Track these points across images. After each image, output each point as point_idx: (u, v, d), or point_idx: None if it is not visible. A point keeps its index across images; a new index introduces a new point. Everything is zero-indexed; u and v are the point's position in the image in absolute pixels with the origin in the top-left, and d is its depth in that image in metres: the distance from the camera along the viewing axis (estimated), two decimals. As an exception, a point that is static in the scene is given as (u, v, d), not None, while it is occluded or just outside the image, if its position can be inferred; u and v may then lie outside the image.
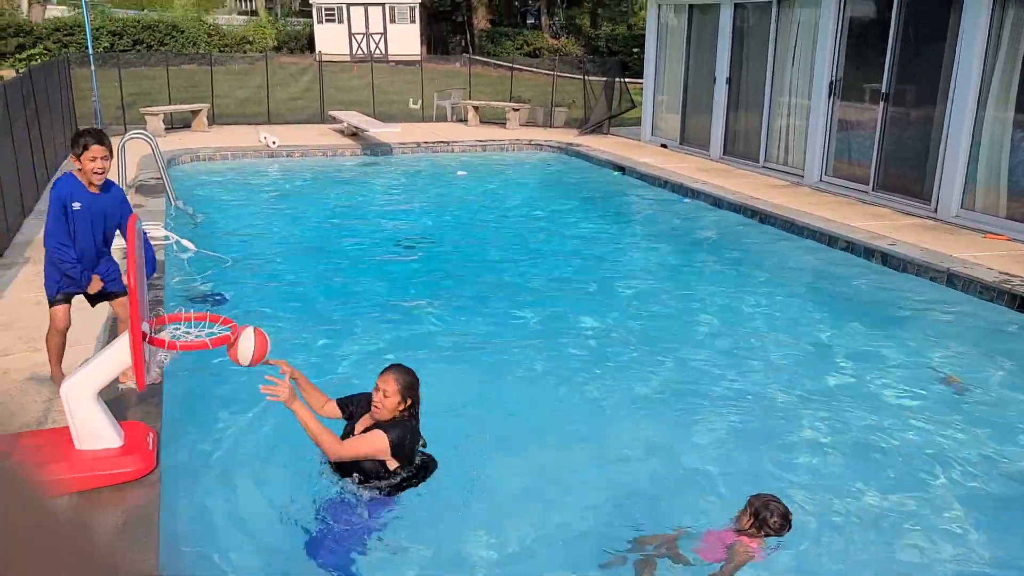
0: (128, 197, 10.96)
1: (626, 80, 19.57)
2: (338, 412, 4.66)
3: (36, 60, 28.78)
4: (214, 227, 10.78)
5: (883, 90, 11.32)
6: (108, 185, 5.08)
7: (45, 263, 5.09)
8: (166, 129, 17.29)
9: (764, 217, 11.06)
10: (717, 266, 9.54)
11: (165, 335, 4.27)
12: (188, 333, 4.32)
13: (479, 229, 11.40)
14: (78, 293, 5.19)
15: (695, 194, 12.61)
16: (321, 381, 6.24)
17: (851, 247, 9.59)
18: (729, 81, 14.85)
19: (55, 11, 36.17)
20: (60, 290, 5.08)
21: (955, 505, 4.67)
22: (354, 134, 17.60)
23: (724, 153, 15.15)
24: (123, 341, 4.19)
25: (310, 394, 4.65)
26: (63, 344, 5.17)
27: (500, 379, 6.33)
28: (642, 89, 18.36)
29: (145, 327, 4.29)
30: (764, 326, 7.55)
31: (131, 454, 4.30)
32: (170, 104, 18.37)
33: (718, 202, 12.07)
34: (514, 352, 6.87)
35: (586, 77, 20.15)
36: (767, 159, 14.03)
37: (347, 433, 4.54)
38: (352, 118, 17.83)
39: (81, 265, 5.00)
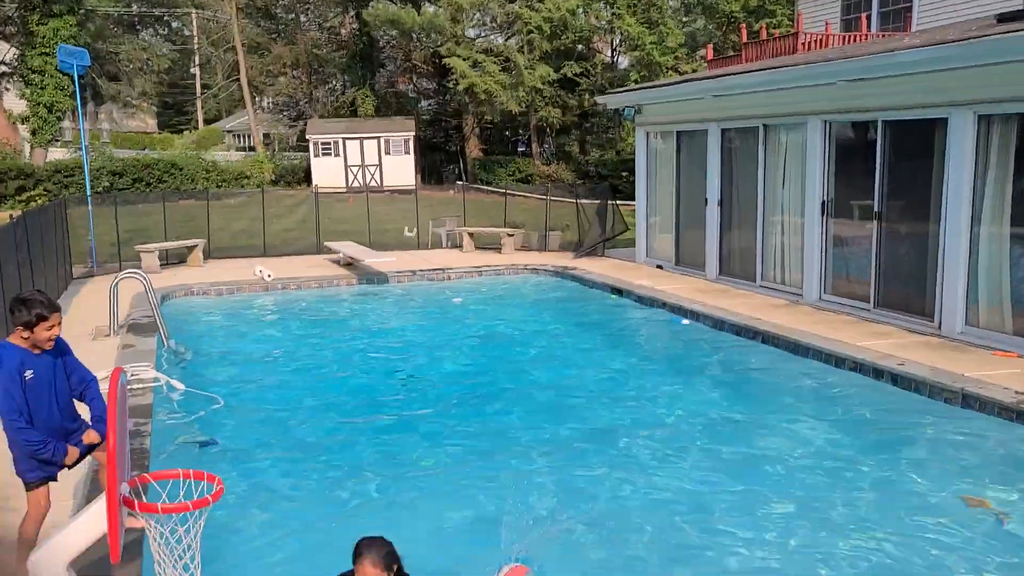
0: (119, 339, 10.84)
1: (618, 203, 19.84)
2: None
3: (36, 202, 29.28)
4: (207, 365, 10.53)
5: (875, 208, 11.39)
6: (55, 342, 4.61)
7: (9, 446, 4.55)
8: (161, 265, 17.31)
9: (767, 338, 10.88)
10: (722, 391, 9.27)
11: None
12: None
13: (477, 358, 11.18)
14: (58, 470, 4.67)
15: (695, 316, 12.47)
16: (318, 523, 5.91)
17: (859, 368, 9.36)
18: (721, 203, 15.01)
19: (57, 153, 37.07)
20: (37, 474, 4.54)
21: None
22: (349, 264, 17.63)
23: (720, 273, 15.14)
24: (99, 506, 3.89)
25: None
26: (38, 534, 4.56)
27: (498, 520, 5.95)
28: (635, 211, 18.58)
29: (125, 487, 4.00)
30: (781, 453, 7.23)
31: (104, 633, 3.92)
32: (166, 240, 18.47)
33: (719, 324, 11.91)
34: (519, 491, 6.51)
35: (578, 201, 20.44)
36: (763, 278, 13.99)
37: None
38: (347, 248, 17.90)
39: (52, 440, 4.48)
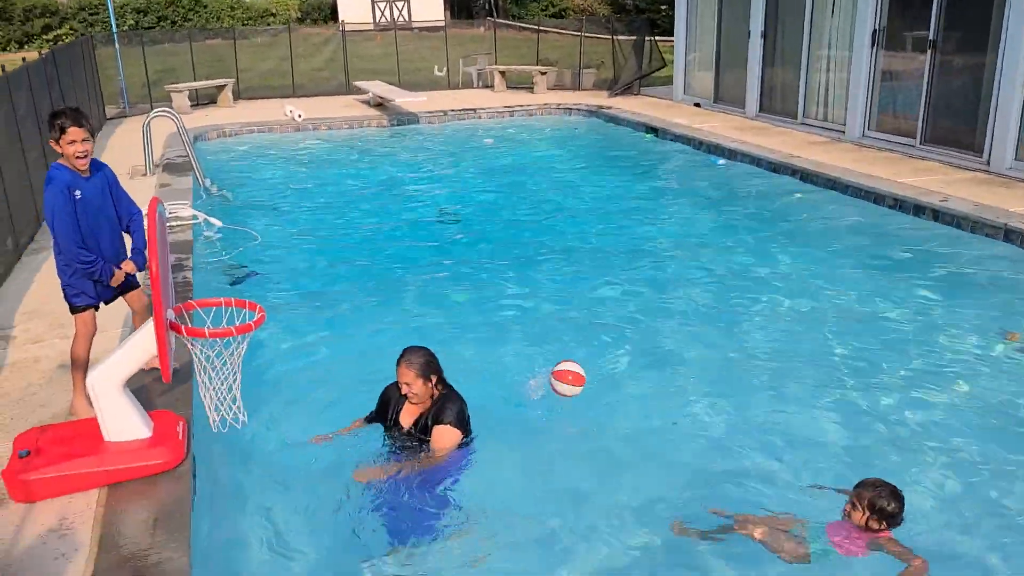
0: (156, 178, 10.92)
1: (655, 39, 19.01)
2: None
3: (63, 40, 28.80)
4: (242, 203, 10.63)
5: (930, 37, 10.78)
6: (97, 165, 4.63)
7: (60, 269, 4.62)
8: (192, 106, 17.16)
9: (805, 176, 10.65)
10: (760, 230, 9.17)
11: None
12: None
13: (509, 197, 11.12)
14: (101, 300, 4.78)
15: (732, 154, 12.19)
16: (353, 353, 6.11)
17: (899, 205, 9.18)
18: (764, 35, 14.30)
19: (80, -10, 36.12)
20: (84, 295, 4.67)
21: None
22: (380, 104, 17.33)
23: (760, 110, 14.65)
24: (148, 329, 4.04)
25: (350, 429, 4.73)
26: (88, 355, 4.73)
27: (552, 348, 6.08)
28: (672, 47, 17.84)
29: (170, 314, 4.13)
30: (811, 289, 7.23)
31: (161, 445, 4.16)
32: (195, 80, 18.22)
33: (757, 161, 11.65)
34: (568, 322, 6.64)
35: (614, 37, 19.61)
36: (806, 115, 13.52)
37: (394, 423, 4.48)
38: (377, 88, 17.55)
39: (101, 260, 4.58)
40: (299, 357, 6.12)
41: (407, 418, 4.45)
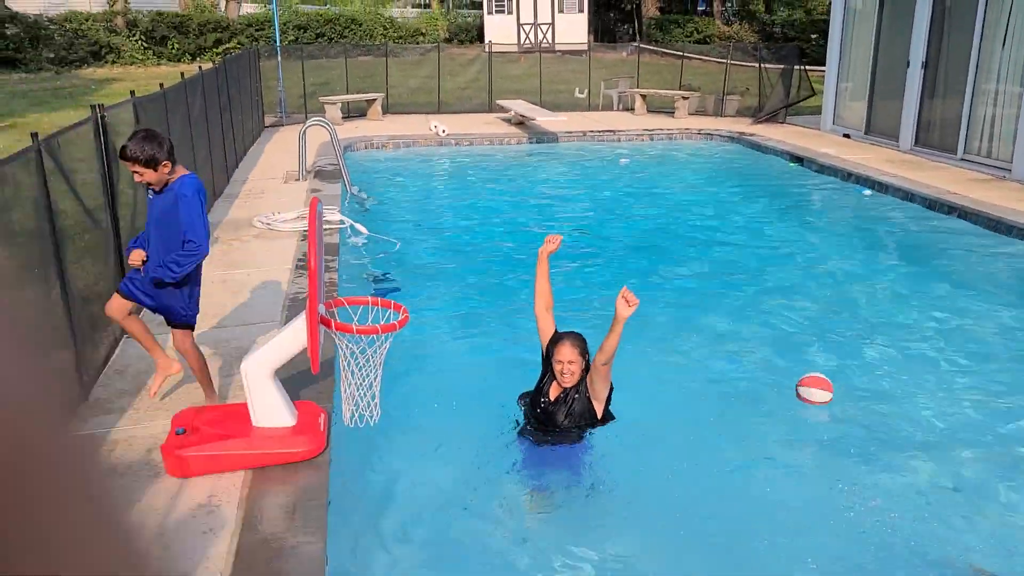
0: (307, 182, 11.50)
1: (804, 68, 18.44)
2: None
3: (231, 53, 30.86)
4: (386, 212, 11.03)
5: (1115, 73, 9.99)
6: (169, 187, 4.47)
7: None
8: (343, 117, 17.97)
9: (964, 214, 10.04)
10: (911, 270, 8.72)
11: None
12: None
13: (642, 220, 11.03)
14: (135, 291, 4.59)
15: (883, 188, 11.64)
16: (490, 362, 6.20)
17: (1071, 250, 8.52)
18: (925, 65, 13.63)
19: (248, 7, 38.59)
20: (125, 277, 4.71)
21: None
22: (520, 123, 17.60)
23: (915, 144, 13.95)
24: (301, 321, 4.24)
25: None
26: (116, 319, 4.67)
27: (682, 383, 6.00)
28: (822, 76, 17.27)
29: (322, 309, 4.32)
30: (968, 337, 6.79)
31: (304, 434, 4.35)
32: (348, 93, 19.09)
33: (909, 196, 11.08)
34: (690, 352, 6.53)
35: (761, 65, 19.18)
36: (967, 151, 12.76)
37: (540, 394, 4.80)
38: (519, 107, 17.84)
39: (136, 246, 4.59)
40: (432, 364, 6.26)
41: (553, 392, 4.74)
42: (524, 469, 4.78)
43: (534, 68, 21.77)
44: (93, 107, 5.73)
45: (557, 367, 4.60)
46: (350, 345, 4.32)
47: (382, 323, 4.27)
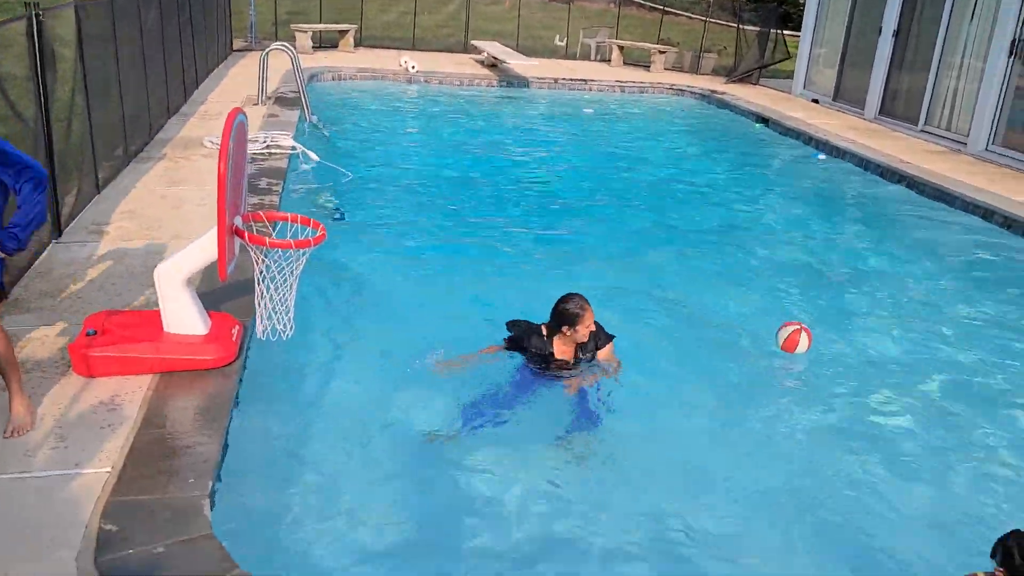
0: (266, 107, 11.35)
1: (783, 32, 18.36)
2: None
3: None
4: (343, 143, 10.94)
5: (1073, 53, 10.10)
6: None
7: None
8: (314, 47, 17.67)
9: (913, 183, 10.18)
10: (855, 232, 8.86)
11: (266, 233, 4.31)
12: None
13: (602, 171, 11.04)
14: None
15: (840, 153, 11.74)
16: (434, 304, 6.23)
17: (1010, 224, 8.69)
18: (896, 34, 13.66)
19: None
20: None
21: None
22: (493, 65, 17.43)
23: (880, 112, 14.04)
24: (214, 231, 4.26)
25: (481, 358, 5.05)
26: None
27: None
28: (798, 40, 17.24)
29: (238, 220, 4.34)
30: (901, 296, 6.96)
31: (214, 343, 4.40)
32: (320, 23, 18.74)
33: (863, 163, 11.20)
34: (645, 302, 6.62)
35: (740, 24, 19.07)
36: (927, 122, 12.88)
37: (550, 358, 4.89)
38: (492, 48, 17.65)
39: None
40: (376, 294, 6.29)
41: (561, 349, 4.88)
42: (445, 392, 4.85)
43: (514, 12, 21.48)
44: (27, 4, 5.60)
45: (581, 329, 4.75)
46: (265, 259, 4.36)
47: (298, 239, 4.30)
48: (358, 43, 18.79)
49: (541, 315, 4.95)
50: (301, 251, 4.31)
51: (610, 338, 5.00)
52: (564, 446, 4.50)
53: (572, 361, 4.92)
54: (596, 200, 9.50)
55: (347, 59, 17.04)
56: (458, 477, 4.16)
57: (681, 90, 16.90)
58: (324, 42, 18.55)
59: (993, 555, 3.02)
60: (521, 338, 4.95)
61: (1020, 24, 11.00)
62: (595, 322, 4.85)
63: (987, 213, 8.98)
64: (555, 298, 4.86)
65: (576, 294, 4.83)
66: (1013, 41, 11.08)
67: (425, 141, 11.79)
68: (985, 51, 11.63)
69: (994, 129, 11.50)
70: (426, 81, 15.82)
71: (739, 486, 4.26)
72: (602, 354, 4.98)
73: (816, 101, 15.86)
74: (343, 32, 18.46)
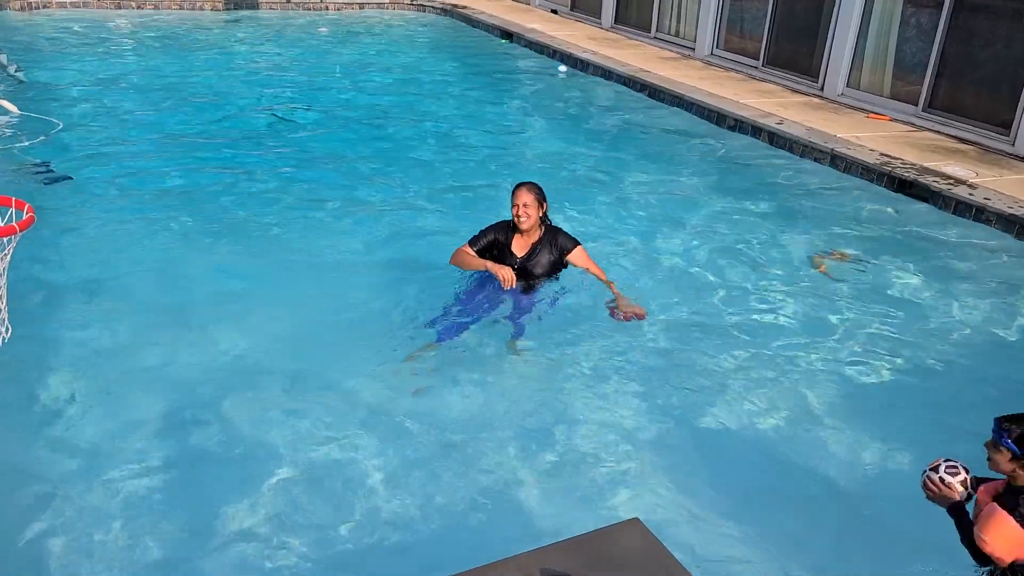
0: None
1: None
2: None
3: None
4: (45, 87, 9.49)
5: (778, -41, 10.86)
6: None
7: None
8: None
9: (654, 92, 10.64)
10: (599, 140, 9.10)
11: None
12: None
13: (345, 95, 10.46)
14: None
15: (584, 65, 12.00)
16: (168, 254, 5.60)
17: (739, 125, 9.33)
18: (624, -58, 14.02)
19: None
20: None
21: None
22: (216, -14, 15.89)
23: (616, 22, 14.50)
24: None
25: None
26: None
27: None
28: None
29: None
30: (641, 201, 7.24)
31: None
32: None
33: (607, 74, 11.53)
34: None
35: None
36: (659, 30, 13.48)
37: (509, 255, 4.89)
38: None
39: None
40: (95, 263, 5.53)
41: (519, 249, 4.91)
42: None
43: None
44: None
45: (514, 210, 4.77)
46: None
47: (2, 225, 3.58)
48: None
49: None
50: (7, 239, 3.61)
51: (576, 242, 4.99)
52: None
53: (529, 258, 4.86)
54: (330, 128, 8.98)
55: (38, -16, 14.74)
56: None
57: (423, 6, 16.44)
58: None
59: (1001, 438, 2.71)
60: (487, 230, 4.96)
61: (732, -69, 11.64)
62: (554, 226, 4.95)
63: (720, 117, 9.58)
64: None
65: (523, 181, 4.87)
66: (727, -52, 11.73)
67: (142, 76, 10.51)
68: (703, -42, 12.22)
69: (716, 34, 12.24)
70: (139, 7, 14.11)
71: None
72: (578, 261, 4.98)
73: (555, 12, 16.07)
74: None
